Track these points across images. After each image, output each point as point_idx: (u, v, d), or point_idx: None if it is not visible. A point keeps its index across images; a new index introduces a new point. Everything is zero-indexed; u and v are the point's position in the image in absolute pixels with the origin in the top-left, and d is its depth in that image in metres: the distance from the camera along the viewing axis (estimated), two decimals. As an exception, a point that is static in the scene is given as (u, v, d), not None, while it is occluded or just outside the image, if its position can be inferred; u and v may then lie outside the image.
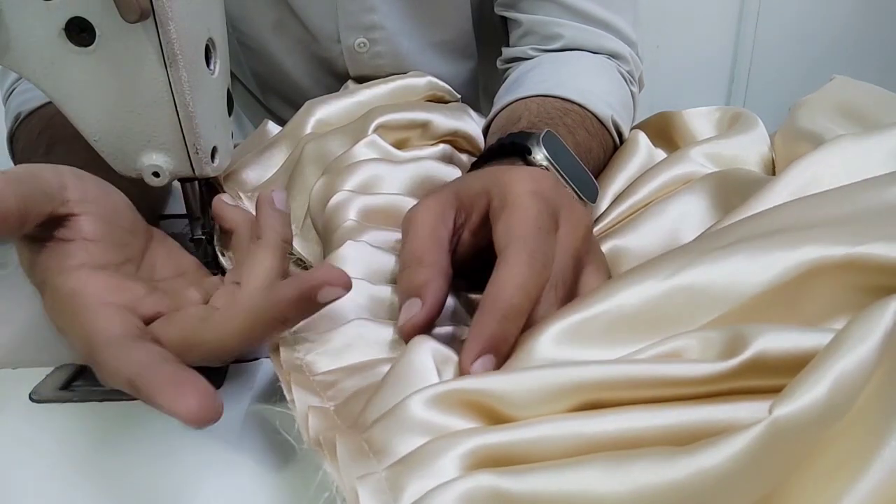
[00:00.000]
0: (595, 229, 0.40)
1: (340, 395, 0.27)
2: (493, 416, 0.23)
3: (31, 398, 0.32)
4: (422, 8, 0.62)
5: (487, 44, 0.68)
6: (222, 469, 0.28)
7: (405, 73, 0.54)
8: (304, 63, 0.65)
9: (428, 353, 0.25)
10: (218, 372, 0.33)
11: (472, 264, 0.33)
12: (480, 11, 0.64)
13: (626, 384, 0.21)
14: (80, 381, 0.33)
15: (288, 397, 0.27)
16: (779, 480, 0.19)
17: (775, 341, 0.21)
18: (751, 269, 0.24)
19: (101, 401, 0.31)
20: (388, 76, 0.55)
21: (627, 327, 0.25)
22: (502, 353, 0.26)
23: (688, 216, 0.38)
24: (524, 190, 0.31)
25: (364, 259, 0.34)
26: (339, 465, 0.21)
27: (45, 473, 0.28)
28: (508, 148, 0.39)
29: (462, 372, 0.26)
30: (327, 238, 0.37)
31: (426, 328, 0.29)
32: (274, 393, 0.32)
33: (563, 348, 0.25)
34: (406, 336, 0.28)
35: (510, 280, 0.27)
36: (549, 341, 0.25)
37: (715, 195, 0.39)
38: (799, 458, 0.19)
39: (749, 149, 0.46)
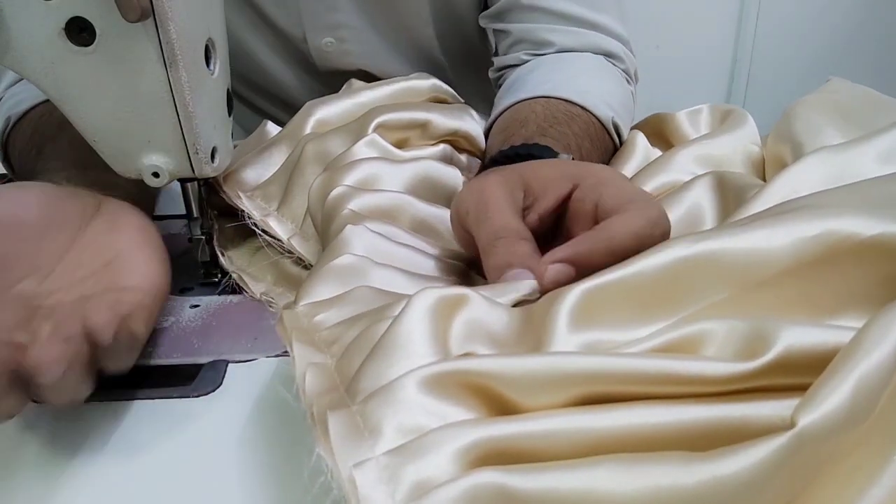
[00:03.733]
0: None
1: (342, 350, 0.26)
2: (493, 400, 0.22)
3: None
4: (381, 8, 0.62)
5: (458, 60, 0.67)
6: (222, 469, 0.28)
7: (409, 75, 0.54)
8: (283, 61, 0.65)
9: (423, 320, 0.24)
10: (217, 371, 0.33)
11: None
12: (447, 22, 0.64)
13: (639, 379, 0.21)
14: (80, 381, 0.33)
15: (290, 355, 0.26)
16: (798, 491, 0.19)
17: (798, 339, 0.21)
18: (774, 236, 0.24)
19: (101, 401, 0.31)
20: (360, 71, 0.54)
21: (647, 295, 0.24)
22: (579, 274, 0.27)
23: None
24: (618, 174, 0.31)
25: (365, 241, 0.34)
26: (333, 446, 0.21)
27: (45, 473, 0.28)
28: (525, 157, 0.38)
29: (537, 272, 0.27)
30: (325, 228, 0.37)
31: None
32: (273, 389, 0.32)
33: (578, 322, 0.24)
34: (543, 289, 0.28)
35: (626, 224, 0.28)
36: (566, 315, 0.24)
37: (711, 199, 0.39)
38: (819, 467, 0.19)
39: (734, 148, 0.46)
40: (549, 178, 0.32)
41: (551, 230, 0.33)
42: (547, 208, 0.32)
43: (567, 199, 0.32)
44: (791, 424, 0.18)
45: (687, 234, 0.26)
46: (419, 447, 0.20)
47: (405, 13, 0.63)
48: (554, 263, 0.27)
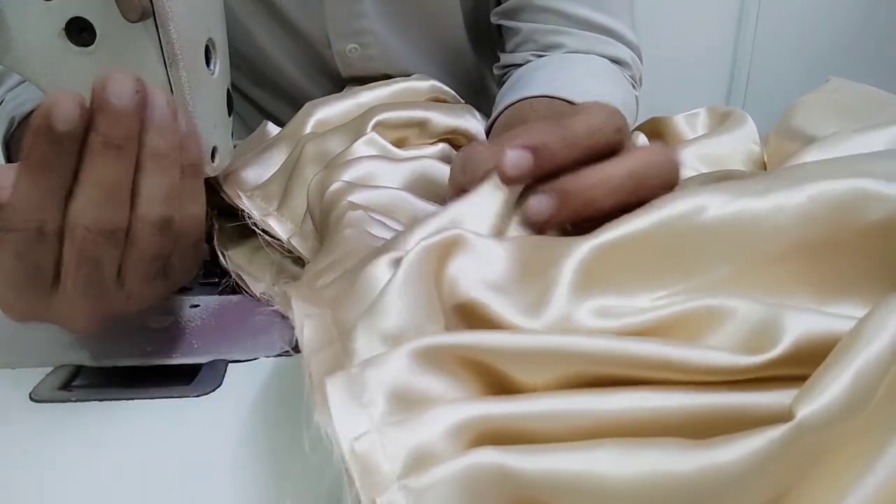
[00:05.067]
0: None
1: (338, 298, 0.26)
2: (489, 375, 0.22)
3: (31, 398, 0.32)
4: (412, 12, 0.61)
5: (484, 48, 0.67)
6: (222, 469, 0.28)
7: (408, 76, 0.54)
8: (303, 67, 0.65)
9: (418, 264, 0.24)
10: (217, 371, 0.33)
11: None
12: (475, 16, 0.64)
13: (641, 364, 0.21)
14: (80, 381, 0.33)
15: (291, 316, 0.26)
16: (794, 481, 0.19)
17: (810, 328, 0.20)
18: (789, 194, 0.23)
19: (101, 401, 0.31)
20: (382, 77, 0.55)
21: (658, 257, 0.24)
22: (540, 166, 0.26)
23: None
24: None
25: (369, 224, 0.34)
26: (332, 414, 0.20)
27: (45, 473, 0.28)
28: None
29: (499, 163, 0.26)
30: (324, 222, 0.37)
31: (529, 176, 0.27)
32: (273, 389, 0.32)
33: (582, 286, 0.24)
34: (505, 177, 0.27)
35: (584, 119, 0.27)
36: (569, 276, 0.24)
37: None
38: (817, 456, 0.19)
39: (735, 147, 0.46)
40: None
41: None
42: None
43: None
44: (790, 416, 0.18)
45: (708, 186, 0.25)
46: (418, 421, 0.20)
47: (437, 16, 0.62)
48: (514, 150, 0.27)
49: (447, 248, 0.24)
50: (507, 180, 0.27)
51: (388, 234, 0.34)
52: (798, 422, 0.18)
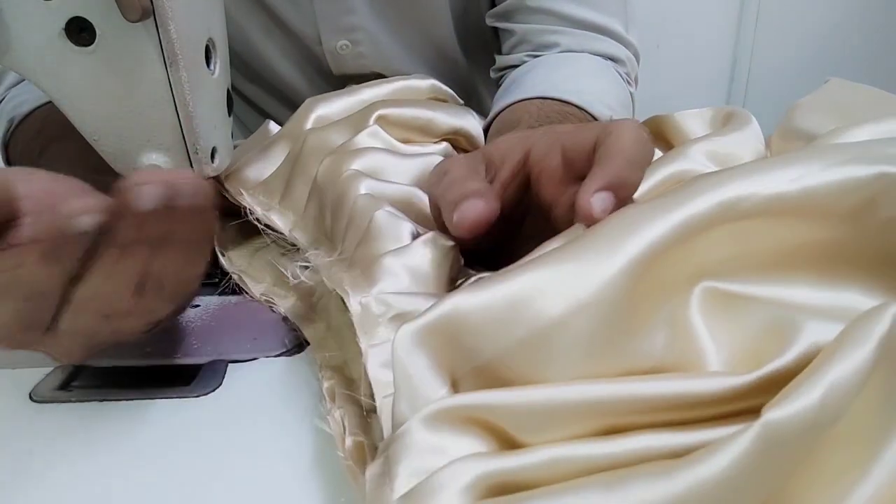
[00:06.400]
0: None
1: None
2: (500, 435, 0.22)
3: (31, 398, 0.32)
4: (401, 10, 0.62)
5: (475, 51, 0.67)
6: (221, 469, 0.28)
7: (409, 75, 0.54)
8: (295, 65, 0.65)
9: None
10: (217, 371, 0.33)
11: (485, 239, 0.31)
12: (464, 19, 0.64)
13: (647, 407, 0.20)
14: (80, 381, 0.33)
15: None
16: (775, 486, 0.19)
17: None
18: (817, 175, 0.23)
19: (100, 401, 0.31)
20: (375, 75, 0.54)
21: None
22: (621, 199, 0.26)
23: None
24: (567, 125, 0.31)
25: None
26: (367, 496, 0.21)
27: (45, 473, 0.28)
28: None
29: (579, 208, 0.25)
30: (336, 211, 0.36)
31: (485, 225, 0.27)
32: (273, 389, 0.32)
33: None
34: (463, 231, 0.27)
35: (622, 138, 0.27)
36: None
37: None
38: (794, 464, 0.19)
39: (744, 145, 0.46)
40: (506, 147, 0.32)
41: (519, 205, 0.32)
42: (506, 176, 0.31)
43: (524, 164, 0.31)
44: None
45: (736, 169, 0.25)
46: (429, 488, 0.20)
47: (425, 14, 0.62)
48: (596, 194, 0.26)
49: (444, 325, 0.23)
50: (594, 222, 0.26)
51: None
52: (765, 422, 0.18)
